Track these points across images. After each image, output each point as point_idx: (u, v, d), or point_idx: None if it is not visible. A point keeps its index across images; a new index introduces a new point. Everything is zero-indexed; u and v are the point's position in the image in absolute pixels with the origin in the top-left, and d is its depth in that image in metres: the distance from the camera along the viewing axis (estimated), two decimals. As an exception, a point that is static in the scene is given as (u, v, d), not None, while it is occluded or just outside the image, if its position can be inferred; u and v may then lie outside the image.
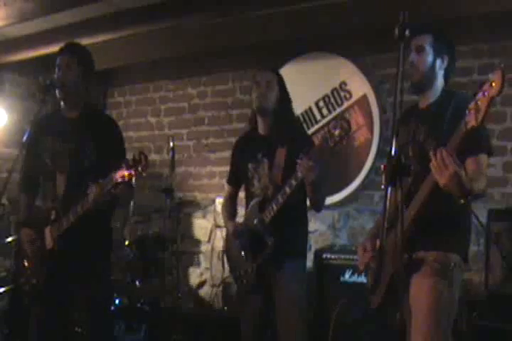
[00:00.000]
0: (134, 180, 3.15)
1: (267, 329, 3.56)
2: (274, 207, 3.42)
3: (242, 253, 3.57)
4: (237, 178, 3.77)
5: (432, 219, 2.70)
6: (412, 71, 2.87)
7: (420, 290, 2.74)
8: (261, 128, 3.65)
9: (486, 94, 2.23)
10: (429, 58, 2.88)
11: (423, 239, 2.73)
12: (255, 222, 3.50)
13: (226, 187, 3.96)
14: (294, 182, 3.31)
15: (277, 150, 3.52)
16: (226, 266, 5.48)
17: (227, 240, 3.78)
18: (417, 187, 2.71)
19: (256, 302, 3.56)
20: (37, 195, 3.60)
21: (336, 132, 3.15)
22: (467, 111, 2.33)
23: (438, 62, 2.89)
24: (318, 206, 3.56)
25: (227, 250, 3.79)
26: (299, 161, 3.21)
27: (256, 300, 3.56)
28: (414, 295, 2.76)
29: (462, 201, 2.58)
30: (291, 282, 3.48)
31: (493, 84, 2.21)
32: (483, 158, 2.75)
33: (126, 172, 3.06)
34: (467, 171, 2.56)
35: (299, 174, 3.24)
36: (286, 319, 3.46)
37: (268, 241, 3.43)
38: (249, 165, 3.64)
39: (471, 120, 2.31)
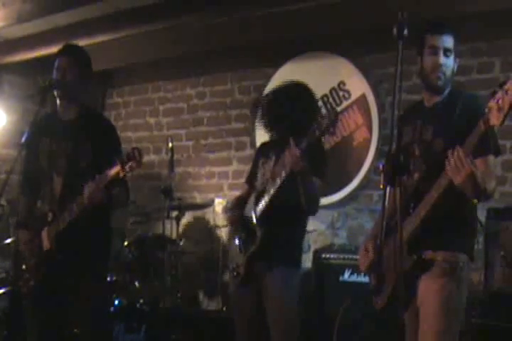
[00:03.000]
0: (128, 174, 3.15)
1: (263, 327, 3.54)
2: (266, 199, 3.46)
3: (238, 245, 3.59)
4: (252, 177, 3.79)
5: (441, 218, 2.69)
6: (439, 74, 2.82)
7: (429, 290, 2.73)
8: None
9: (508, 93, 2.20)
10: (452, 62, 2.85)
11: (431, 238, 2.72)
12: (250, 214, 3.54)
13: (243, 186, 3.96)
14: (283, 173, 3.35)
15: (286, 150, 3.55)
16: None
17: (229, 232, 3.82)
18: (426, 187, 2.70)
19: (249, 296, 3.55)
20: (37, 197, 3.59)
21: (324, 122, 3.20)
22: (486, 110, 2.30)
23: (455, 64, 2.88)
24: (308, 206, 3.49)
25: (228, 242, 3.81)
26: (286, 150, 3.27)
27: (249, 294, 3.55)
28: (423, 295, 2.76)
29: (475, 201, 2.57)
30: (280, 283, 3.46)
31: None
32: (491, 158, 2.73)
33: (120, 168, 3.06)
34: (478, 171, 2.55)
35: (288, 164, 3.29)
36: (274, 320, 3.46)
37: (257, 234, 3.45)
38: (260, 161, 3.68)
39: (492, 119, 2.28)
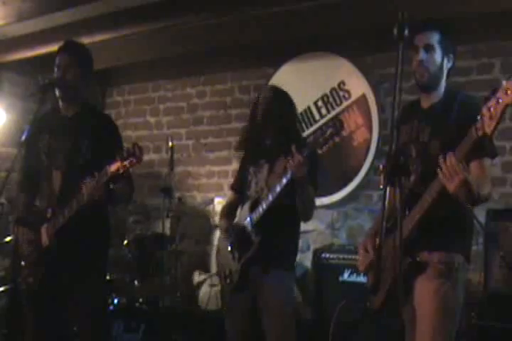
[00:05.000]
0: (129, 170, 3.14)
1: (255, 330, 3.55)
2: (264, 206, 3.46)
3: (230, 252, 3.59)
4: (240, 184, 3.78)
5: (436, 220, 2.69)
6: (421, 70, 2.81)
7: (425, 291, 2.74)
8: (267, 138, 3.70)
9: (500, 101, 2.20)
10: (438, 57, 2.82)
11: (426, 239, 2.72)
12: (245, 221, 3.53)
13: (229, 193, 3.96)
14: (284, 181, 3.36)
15: (279, 156, 3.56)
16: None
17: (219, 239, 3.80)
18: (422, 189, 2.70)
19: (243, 303, 3.56)
20: (37, 194, 3.59)
21: (328, 131, 3.24)
22: (478, 117, 2.30)
23: (445, 61, 2.85)
24: (304, 212, 3.53)
25: (218, 249, 3.80)
26: (289, 158, 3.28)
27: (242, 301, 3.56)
28: (419, 296, 2.76)
29: (471, 206, 2.57)
30: (278, 284, 3.48)
31: (509, 92, 2.17)
32: (487, 161, 2.72)
33: (120, 164, 3.05)
34: (472, 175, 2.55)
35: (289, 171, 3.30)
36: (272, 321, 3.47)
37: (254, 240, 3.46)
38: (251, 169, 3.68)
39: (484, 127, 2.28)
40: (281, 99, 3.68)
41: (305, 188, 3.40)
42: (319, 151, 3.48)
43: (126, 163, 3.04)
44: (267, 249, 3.45)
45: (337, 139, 5.17)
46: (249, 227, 3.51)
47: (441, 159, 2.48)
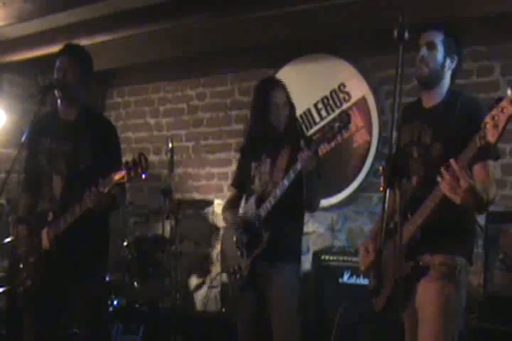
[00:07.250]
0: (132, 181, 3.14)
1: (265, 327, 3.56)
2: (272, 201, 3.47)
3: (237, 247, 3.59)
4: (242, 181, 3.78)
5: (438, 222, 2.69)
6: (421, 65, 2.83)
7: (428, 294, 2.74)
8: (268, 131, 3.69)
9: (504, 110, 2.19)
10: (440, 56, 2.83)
11: (428, 241, 2.72)
12: (253, 216, 3.54)
13: (231, 190, 3.96)
14: (292, 175, 3.38)
15: (281, 151, 3.57)
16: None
17: (225, 236, 3.81)
18: (424, 193, 2.69)
19: (252, 300, 3.57)
20: (39, 195, 3.59)
21: (336, 124, 3.27)
22: (482, 125, 2.30)
23: (448, 61, 2.85)
24: (312, 204, 3.57)
25: (223, 246, 3.80)
26: (300, 153, 3.31)
27: (252, 298, 3.57)
28: (421, 299, 2.76)
29: (480, 214, 2.57)
30: (284, 282, 3.50)
31: None
32: (491, 163, 2.72)
33: (125, 173, 3.06)
34: (477, 180, 2.54)
35: (298, 165, 3.33)
36: (277, 318, 3.49)
37: (263, 236, 3.45)
38: (253, 164, 3.69)
39: (488, 136, 2.28)
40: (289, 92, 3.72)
41: (313, 180, 3.43)
42: (327, 146, 3.49)
43: (131, 172, 3.05)
44: (275, 244, 3.46)
45: (338, 140, 5.27)
46: (257, 223, 3.51)
47: (442, 170, 2.47)
